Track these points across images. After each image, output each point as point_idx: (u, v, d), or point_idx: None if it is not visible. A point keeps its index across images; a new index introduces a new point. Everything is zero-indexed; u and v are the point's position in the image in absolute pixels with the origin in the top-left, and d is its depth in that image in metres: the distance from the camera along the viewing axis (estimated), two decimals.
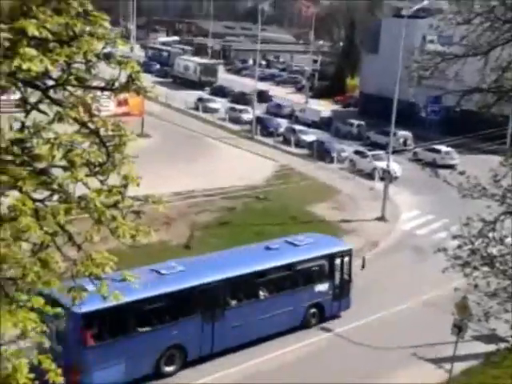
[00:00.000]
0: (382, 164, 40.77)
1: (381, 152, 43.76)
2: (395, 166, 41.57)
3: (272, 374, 19.37)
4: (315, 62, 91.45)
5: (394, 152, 42.02)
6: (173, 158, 42.32)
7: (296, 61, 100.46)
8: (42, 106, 7.44)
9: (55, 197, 7.35)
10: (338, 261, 23.20)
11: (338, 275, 23.24)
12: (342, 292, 23.36)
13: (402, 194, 38.75)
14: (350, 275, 23.66)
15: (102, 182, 7.54)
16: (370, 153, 44.60)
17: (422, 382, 19.34)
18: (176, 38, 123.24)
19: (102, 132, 7.42)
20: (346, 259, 23.34)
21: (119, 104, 40.89)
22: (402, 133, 49.84)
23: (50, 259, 7.38)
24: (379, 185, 38.14)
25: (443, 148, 46.66)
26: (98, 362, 17.37)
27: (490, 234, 13.73)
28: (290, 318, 21.84)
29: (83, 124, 7.34)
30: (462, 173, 13.95)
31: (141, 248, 8.69)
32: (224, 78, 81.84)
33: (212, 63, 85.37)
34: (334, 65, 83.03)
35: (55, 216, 7.06)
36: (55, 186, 7.28)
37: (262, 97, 65.14)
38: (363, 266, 25.99)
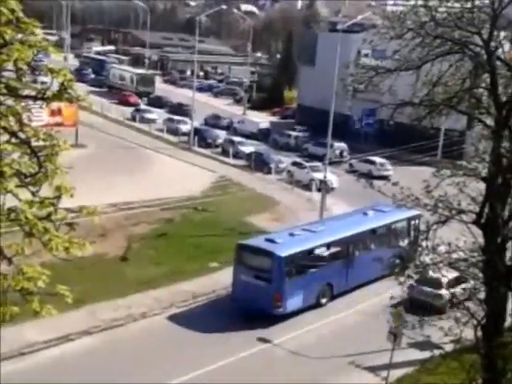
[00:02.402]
0: (319, 175, 41.37)
1: (318, 163, 44.39)
2: (332, 177, 42.26)
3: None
4: (253, 73, 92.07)
5: (331, 163, 42.71)
6: (109, 168, 41.62)
7: (234, 72, 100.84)
8: None
9: None
10: (413, 222, 28.60)
11: (412, 233, 28.62)
12: (413, 245, 24.27)
13: (339, 204, 39.25)
14: (418, 234, 24.88)
15: (33, 193, 7.34)
16: (307, 164, 45.23)
17: None
18: (112, 47, 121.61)
19: (33, 142, 7.23)
20: (417, 221, 27.44)
21: (52, 114, 40.05)
22: (339, 144, 50.68)
23: None
24: (317, 195, 38.70)
25: (378, 159, 47.67)
26: (290, 293, 23.73)
27: (423, 243, 14.08)
28: (385, 266, 22.85)
29: (13, 134, 7.13)
30: (395, 183, 14.27)
31: (75, 261, 8.47)
32: (161, 88, 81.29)
33: (149, 74, 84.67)
34: (272, 77, 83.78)
35: None
36: None
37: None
38: None
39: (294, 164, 46.30)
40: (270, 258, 23.79)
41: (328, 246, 26.08)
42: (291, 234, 25.62)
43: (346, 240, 26.76)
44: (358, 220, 28.96)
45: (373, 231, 28.46)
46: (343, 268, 26.32)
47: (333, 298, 25.93)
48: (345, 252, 26.67)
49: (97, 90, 74.17)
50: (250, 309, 23.83)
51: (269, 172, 46.17)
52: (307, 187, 42.63)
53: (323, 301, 25.50)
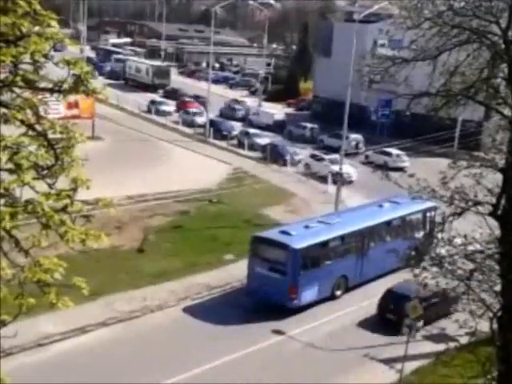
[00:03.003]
0: (338, 167, 41.23)
1: (337, 156, 44.12)
2: (351, 169, 41.90)
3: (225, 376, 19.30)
4: (268, 65, 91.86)
5: (347, 155, 42.49)
6: (125, 161, 41.81)
7: (249, 64, 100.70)
8: None
9: (1, 201, 7.15)
10: (428, 214, 28.52)
11: (427, 225, 28.64)
12: (429, 237, 24.14)
13: (355, 196, 39.12)
14: (434, 226, 24.52)
15: (50, 185, 7.38)
16: (326, 156, 44.74)
17: (373, 383, 19.56)
18: (128, 39, 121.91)
19: (50, 134, 7.26)
20: (433, 213, 27.06)
21: (69, 106, 40.22)
22: (354, 136, 50.41)
23: None
24: (333, 188, 38.54)
25: (394, 151, 47.40)
26: (305, 285, 23.76)
27: (439, 235, 14.00)
28: (400, 258, 22.67)
29: (30, 126, 7.17)
30: (411, 175, 14.19)
31: (91, 253, 8.52)
32: (177, 80, 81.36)
33: (165, 65, 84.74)
34: (288, 68, 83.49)
35: (1, 221, 6.87)
36: (1, 190, 7.09)
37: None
38: None
39: (312, 156, 45.91)
40: (285, 250, 23.77)
41: (343, 238, 26.03)
42: (306, 226, 25.56)
43: (362, 232, 26.69)
44: (374, 212, 28.90)
45: (388, 223, 28.40)
46: (358, 260, 26.28)
47: (348, 290, 25.89)
48: (360, 244, 26.63)
49: (113, 82, 74.36)
50: (265, 301, 23.86)
51: (284, 164, 46.06)
52: (325, 180, 42.08)
53: (338, 293, 25.48)
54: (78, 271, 8.15)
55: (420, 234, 27.54)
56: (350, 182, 41.15)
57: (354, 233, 26.43)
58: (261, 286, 23.81)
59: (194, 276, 26.23)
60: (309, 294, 24.08)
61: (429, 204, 26.25)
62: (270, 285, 23.55)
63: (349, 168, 41.92)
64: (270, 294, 23.56)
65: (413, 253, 16.36)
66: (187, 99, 65.91)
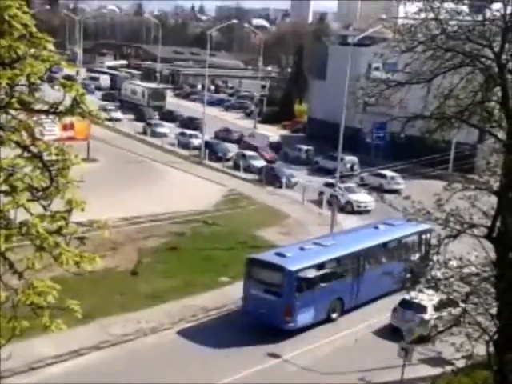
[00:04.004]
0: (356, 196, 41.30)
1: (353, 184, 44.00)
2: (367, 198, 40.97)
3: None
4: (263, 87, 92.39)
5: (342, 177, 42.55)
6: (120, 182, 41.77)
7: (244, 86, 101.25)
8: None
9: None
10: (424, 236, 28.50)
11: (423, 247, 28.18)
12: (425, 259, 24.00)
13: (350, 218, 39.18)
14: (430, 248, 24.38)
15: (44, 207, 7.36)
16: (342, 185, 42.59)
17: None
18: (124, 61, 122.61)
19: (45, 156, 7.26)
20: (429, 235, 27.17)
21: (64, 128, 40.25)
22: (349, 158, 50.61)
23: None
24: (355, 219, 37.91)
25: (389, 173, 47.52)
26: (300, 307, 23.60)
27: (435, 258, 13.99)
28: (397, 280, 22.46)
29: (25, 148, 7.17)
30: (406, 197, 14.21)
31: (86, 275, 8.47)
32: (172, 102, 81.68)
33: (160, 88, 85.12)
34: (283, 90, 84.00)
35: None
36: None
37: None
38: None
39: (327, 185, 42.95)
40: (281, 272, 23.67)
41: (339, 260, 25.96)
42: (301, 248, 25.51)
43: (357, 254, 26.64)
44: (369, 234, 28.91)
45: (384, 245, 28.35)
46: (354, 282, 26.18)
47: (343, 312, 25.79)
48: (356, 266, 26.52)
49: (109, 104, 74.60)
50: (261, 323, 23.73)
51: (280, 186, 46.10)
52: (341, 209, 40.38)
53: (334, 316, 25.34)
54: (71, 293, 8.09)
55: (416, 257, 27.45)
56: (368, 212, 40.32)
57: (350, 255, 26.37)
58: (256, 308, 23.69)
59: (189, 298, 26.06)
60: (305, 317, 23.94)
61: (424, 226, 26.39)
62: (266, 307, 23.43)
63: (365, 197, 41.27)
64: (265, 316, 23.43)
65: (408, 275, 16.34)
66: (261, 148, 56.45)
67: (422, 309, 22.50)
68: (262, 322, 23.63)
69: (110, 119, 61.95)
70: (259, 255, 25.47)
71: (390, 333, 23.63)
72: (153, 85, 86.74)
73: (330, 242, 26.98)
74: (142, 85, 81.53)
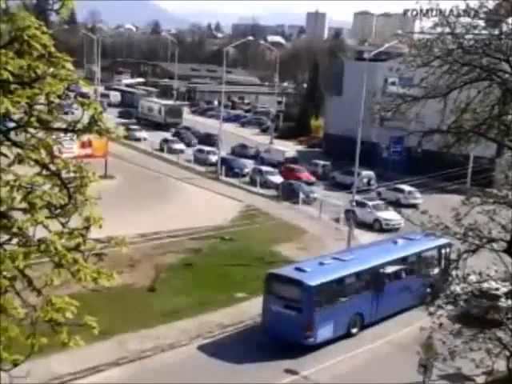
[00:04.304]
0: (384, 214, 40.84)
1: (381, 202, 43.62)
2: (396, 216, 39.33)
3: None
4: (280, 103, 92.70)
5: (359, 192, 42.42)
6: (137, 199, 41.99)
7: (261, 102, 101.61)
8: (2, 148, 7.34)
9: (14, 240, 7.18)
10: (443, 250, 28.50)
11: (442, 262, 28.29)
12: (444, 274, 23.72)
13: (367, 233, 39.00)
14: (449, 263, 24.10)
15: (63, 224, 7.41)
16: (370, 203, 42.62)
17: None
18: (141, 79, 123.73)
19: (63, 174, 7.33)
20: (448, 250, 27.67)
21: (82, 146, 40.68)
22: (366, 173, 50.49)
23: (8, 305, 7.17)
24: (382, 237, 36.83)
25: (406, 188, 47.33)
26: (320, 323, 23.49)
27: (454, 272, 13.87)
28: (416, 295, 22.30)
29: (44, 166, 7.25)
30: (424, 212, 14.14)
31: (103, 291, 8.51)
32: (189, 119, 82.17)
33: (177, 105, 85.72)
34: (299, 106, 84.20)
35: (14, 260, 6.89)
36: (15, 230, 7.12)
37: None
38: None
39: (357, 204, 41.00)
40: (300, 287, 23.58)
41: (358, 275, 25.82)
42: (321, 263, 25.40)
43: (376, 269, 26.50)
44: (388, 249, 28.80)
45: (403, 260, 28.13)
46: (373, 297, 25.99)
47: (363, 327, 25.60)
48: (375, 281, 26.39)
49: (125, 121, 75.23)
50: (280, 338, 23.61)
51: (297, 202, 45.99)
52: (370, 227, 40.20)
53: (354, 331, 25.16)
54: (89, 310, 8.12)
55: (435, 271, 27.30)
56: (397, 230, 39.04)
57: (369, 270, 26.21)
58: (276, 324, 23.58)
59: (206, 314, 26.04)
60: (324, 332, 23.80)
61: (443, 241, 26.05)
62: (286, 322, 23.33)
63: (394, 214, 39.93)
64: (285, 331, 23.31)
65: (428, 290, 16.16)
66: (296, 168, 54.62)
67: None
68: (282, 337, 23.51)
69: (138, 139, 62.86)
70: (279, 270, 25.38)
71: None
72: (169, 102, 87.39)
73: (350, 256, 26.89)
74: (159, 102, 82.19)
